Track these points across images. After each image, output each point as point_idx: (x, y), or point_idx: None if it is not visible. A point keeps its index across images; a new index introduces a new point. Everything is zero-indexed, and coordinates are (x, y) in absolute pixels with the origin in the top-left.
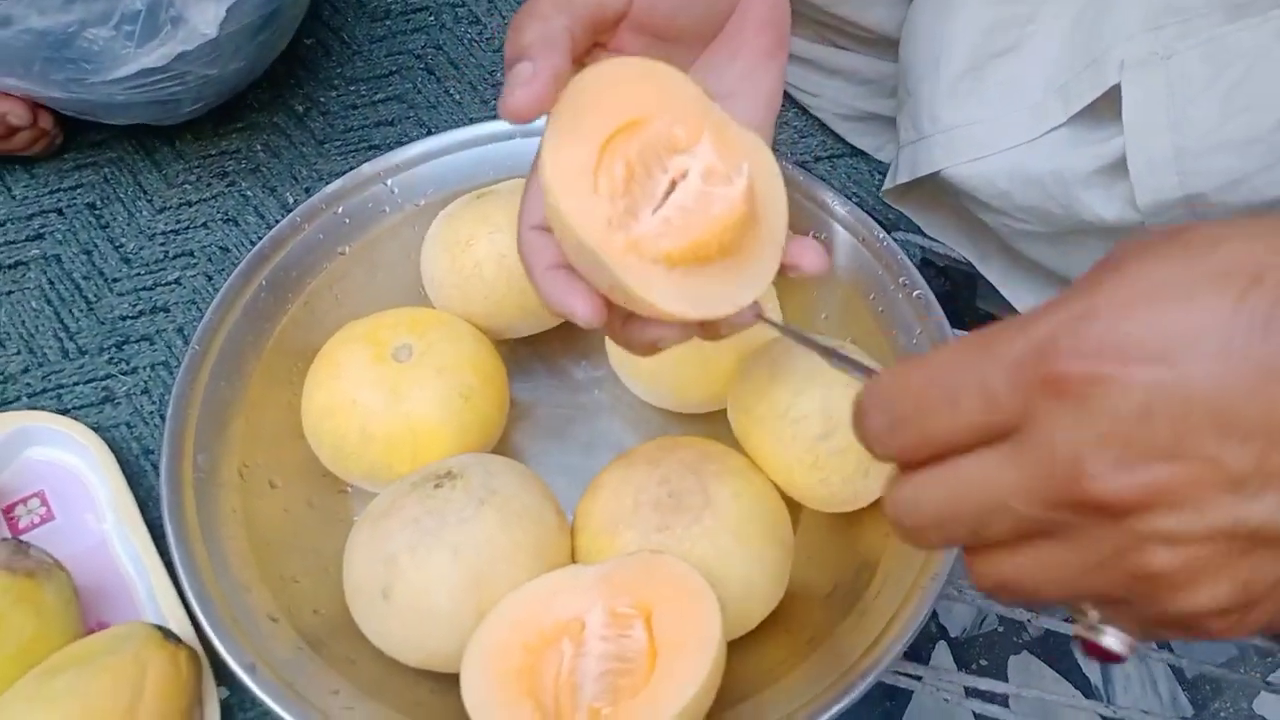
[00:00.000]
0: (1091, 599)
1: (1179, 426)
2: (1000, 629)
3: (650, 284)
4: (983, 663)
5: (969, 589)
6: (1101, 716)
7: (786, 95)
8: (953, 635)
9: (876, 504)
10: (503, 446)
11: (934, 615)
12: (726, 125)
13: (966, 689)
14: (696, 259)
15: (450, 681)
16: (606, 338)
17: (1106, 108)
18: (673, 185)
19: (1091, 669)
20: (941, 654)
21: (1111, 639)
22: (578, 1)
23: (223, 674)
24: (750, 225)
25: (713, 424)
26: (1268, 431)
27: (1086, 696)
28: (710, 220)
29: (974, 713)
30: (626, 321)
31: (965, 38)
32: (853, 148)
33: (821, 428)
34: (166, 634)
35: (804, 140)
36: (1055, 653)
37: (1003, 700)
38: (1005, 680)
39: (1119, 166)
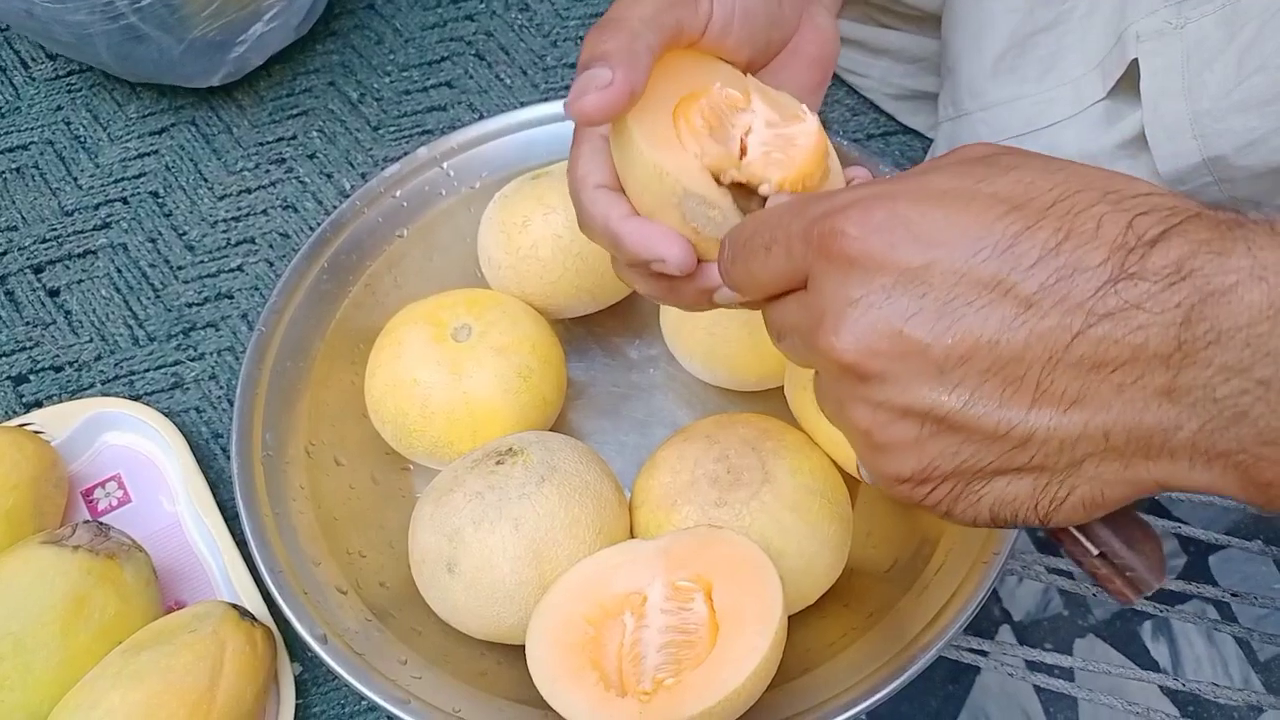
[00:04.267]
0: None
1: (909, 309)
2: (1065, 612)
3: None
4: (1047, 646)
5: (1034, 565)
6: (1171, 691)
7: (836, 76)
8: (1016, 618)
9: None
10: (559, 424)
11: (998, 599)
12: (765, 90)
13: (1030, 663)
14: (805, 188)
15: (513, 652)
16: (661, 317)
17: (1134, 82)
18: (743, 142)
19: (1160, 651)
20: (1005, 637)
21: (866, 472)
22: (664, 23)
23: (295, 651)
24: (824, 179)
25: (767, 402)
26: (976, 338)
27: None
28: (805, 150)
29: (1037, 687)
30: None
31: (1007, 15)
32: (905, 125)
33: None
34: (243, 613)
35: (856, 118)
36: (1122, 635)
37: (1068, 675)
38: None
39: (1142, 139)
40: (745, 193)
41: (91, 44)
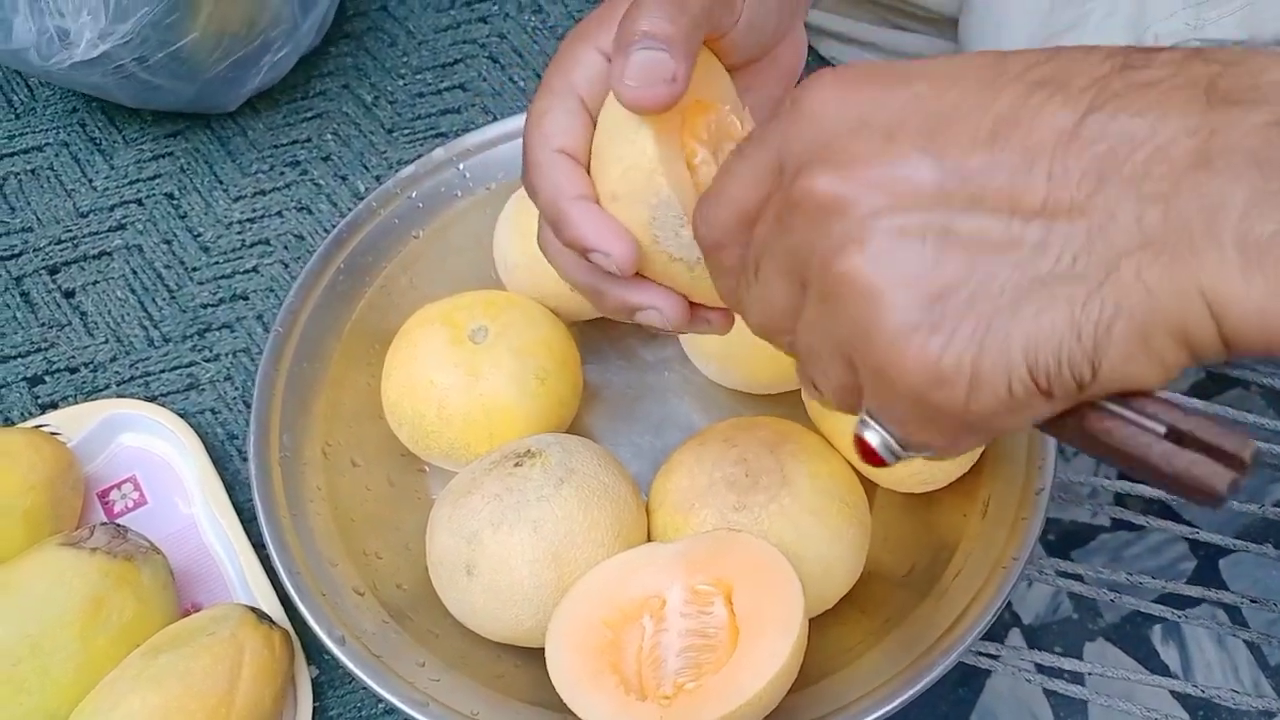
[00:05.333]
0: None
1: (886, 133)
2: (1075, 615)
3: None
4: (1057, 649)
5: (1046, 568)
6: (1182, 695)
7: None
8: (1026, 622)
9: (954, 485)
10: (574, 427)
11: (1008, 602)
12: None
13: (1040, 667)
14: None
15: (532, 655)
16: None
17: None
18: None
19: (1170, 655)
20: (1015, 640)
21: (872, 433)
22: (713, 18)
23: (312, 653)
24: None
25: (782, 405)
26: (965, 117)
27: None
28: None
29: (1048, 690)
30: (636, 280)
31: (1026, 17)
32: None
33: None
34: (260, 615)
35: None
36: (1132, 639)
37: (1078, 679)
38: None
39: None
40: None
41: (110, 93)
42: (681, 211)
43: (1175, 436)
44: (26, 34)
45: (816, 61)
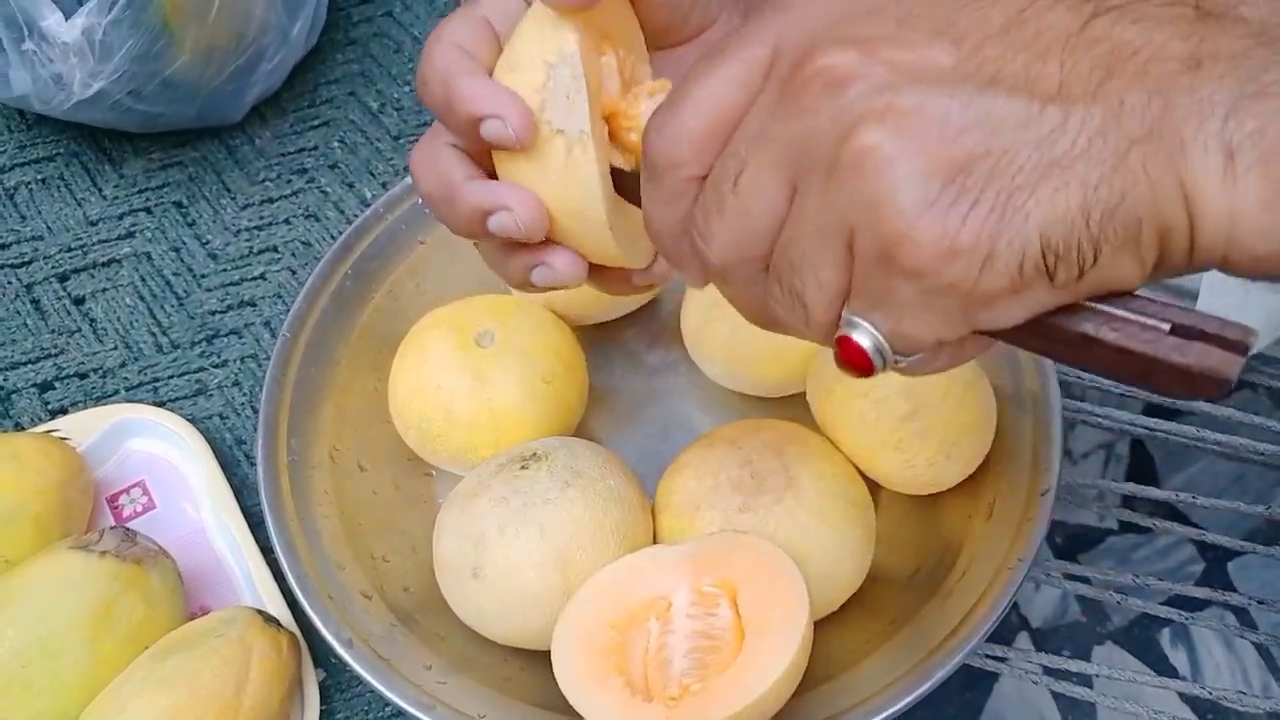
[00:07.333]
0: (808, 237)
1: (897, 20)
2: (1083, 619)
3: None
4: (1065, 653)
5: (1053, 571)
6: (1190, 698)
7: None
8: (1034, 625)
9: (959, 487)
10: (579, 430)
11: (1015, 605)
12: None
13: (1048, 669)
14: None
15: (538, 658)
16: (682, 322)
17: None
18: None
19: (1178, 659)
20: (1023, 643)
21: (862, 333)
22: None
23: (319, 656)
24: None
25: (787, 408)
26: (978, 43)
27: None
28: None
29: (1056, 694)
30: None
31: None
32: None
33: (905, 408)
34: (267, 618)
35: None
36: (1140, 642)
37: (1086, 682)
38: None
39: None
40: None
41: (115, 125)
42: (582, 73)
43: (1179, 331)
44: (23, 83)
45: None
